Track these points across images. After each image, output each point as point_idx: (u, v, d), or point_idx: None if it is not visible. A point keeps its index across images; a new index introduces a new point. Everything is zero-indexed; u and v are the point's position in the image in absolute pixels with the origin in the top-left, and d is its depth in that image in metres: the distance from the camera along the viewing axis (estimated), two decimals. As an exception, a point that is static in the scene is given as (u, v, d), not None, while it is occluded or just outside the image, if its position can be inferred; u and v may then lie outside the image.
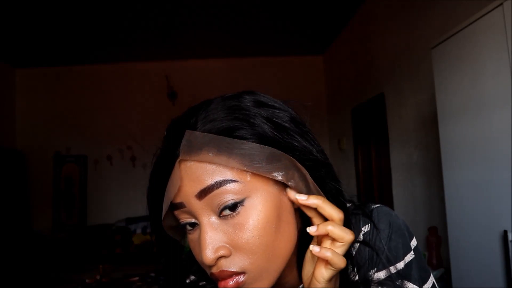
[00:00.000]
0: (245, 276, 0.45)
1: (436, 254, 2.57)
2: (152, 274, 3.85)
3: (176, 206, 0.46)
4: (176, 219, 0.49)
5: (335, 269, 0.44)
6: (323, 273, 0.44)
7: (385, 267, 0.53)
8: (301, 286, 0.55)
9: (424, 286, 0.54)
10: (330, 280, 0.45)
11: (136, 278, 3.79)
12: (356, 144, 4.30)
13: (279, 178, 0.44)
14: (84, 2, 3.60)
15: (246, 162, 0.43)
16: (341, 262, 0.43)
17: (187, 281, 0.60)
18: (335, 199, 0.50)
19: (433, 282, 0.56)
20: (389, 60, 3.43)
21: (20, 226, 4.75)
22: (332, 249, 0.44)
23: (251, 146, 0.44)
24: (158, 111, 4.98)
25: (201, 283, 0.59)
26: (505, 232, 1.49)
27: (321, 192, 0.47)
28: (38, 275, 4.25)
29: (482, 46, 1.64)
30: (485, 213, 1.64)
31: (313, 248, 0.43)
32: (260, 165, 0.43)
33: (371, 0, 3.76)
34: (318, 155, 0.49)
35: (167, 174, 0.47)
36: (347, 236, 0.44)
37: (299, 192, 0.46)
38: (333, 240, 0.45)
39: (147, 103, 5.24)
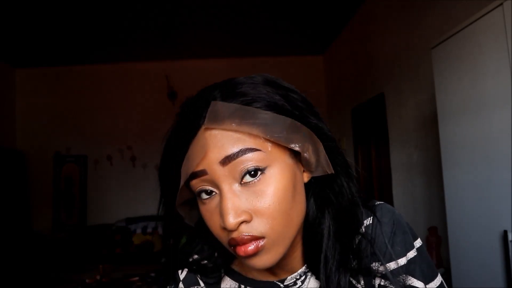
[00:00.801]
0: (264, 240, 0.47)
1: (436, 254, 2.57)
2: (152, 274, 3.85)
3: (197, 174, 0.47)
4: (189, 193, 0.50)
5: None
6: None
7: (387, 261, 0.54)
8: (303, 267, 0.56)
9: (430, 284, 0.54)
10: None
11: (136, 278, 3.79)
12: (356, 144, 4.30)
13: (297, 148, 0.47)
14: (84, 2, 3.61)
15: (268, 131, 0.46)
16: None
17: (190, 259, 0.62)
18: (345, 172, 0.54)
19: (442, 281, 0.55)
20: (389, 60, 3.43)
21: (20, 226, 4.75)
22: None
23: (273, 116, 0.46)
24: (158, 111, 4.98)
25: (203, 262, 0.61)
26: (505, 232, 1.49)
27: (330, 164, 0.50)
28: (38, 275, 4.25)
29: (482, 46, 1.64)
30: (485, 213, 1.64)
31: None
32: (280, 134, 0.46)
33: (371, 0, 3.76)
34: (328, 133, 0.53)
35: (184, 146, 0.48)
36: None
37: (309, 163, 0.49)
38: None
39: (147, 103, 5.24)
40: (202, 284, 0.61)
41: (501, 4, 1.50)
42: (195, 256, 0.62)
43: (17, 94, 5.34)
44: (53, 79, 5.37)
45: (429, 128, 2.70)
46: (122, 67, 5.34)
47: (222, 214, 0.46)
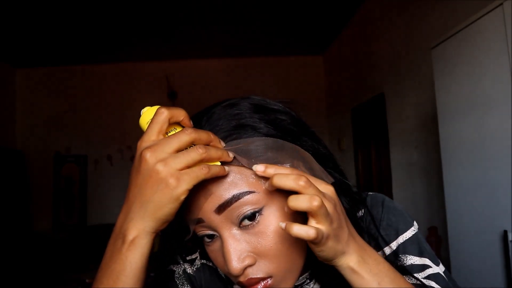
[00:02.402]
0: (272, 279, 0.46)
1: (436, 254, 2.56)
2: (152, 274, 3.85)
3: (194, 222, 0.47)
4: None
5: (313, 241, 0.40)
6: (313, 247, 0.42)
7: (380, 248, 0.54)
8: (306, 273, 0.56)
9: (439, 266, 0.53)
10: (327, 246, 0.41)
11: (136, 278, 3.78)
12: (356, 144, 4.30)
13: (287, 166, 0.45)
14: (84, 2, 3.60)
15: (253, 155, 0.44)
16: (309, 234, 0.39)
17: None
18: (343, 191, 0.52)
19: (444, 269, 0.55)
20: (389, 60, 3.43)
21: (20, 226, 4.74)
22: (299, 224, 0.40)
23: (255, 139, 0.45)
24: (158, 111, 4.97)
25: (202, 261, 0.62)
26: (505, 232, 1.49)
27: (328, 174, 0.47)
28: (38, 275, 4.25)
29: (482, 46, 1.64)
30: (485, 213, 1.64)
31: (281, 225, 0.41)
32: (265, 156, 0.44)
33: (371, 0, 3.76)
34: (325, 151, 0.51)
35: None
36: (310, 204, 0.39)
37: None
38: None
39: (147, 103, 5.18)
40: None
41: (501, 4, 1.50)
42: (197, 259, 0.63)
43: (17, 94, 5.33)
44: (53, 79, 5.37)
45: (429, 128, 2.70)
46: (122, 67, 5.33)
47: (225, 261, 0.45)
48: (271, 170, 0.43)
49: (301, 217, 0.46)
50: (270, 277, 0.46)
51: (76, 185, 5.30)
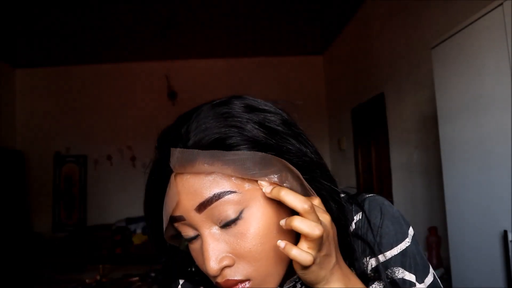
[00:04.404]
0: (250, 282, 0.45)
1: (436, 254, 2.57)
2: (152, 274, 3.85)
3: (176, 219, 0.47)
4: (175, 228, 0.49)
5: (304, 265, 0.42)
6: (297, 267, 0.43)
7: (375, 254, 0.54)
8: (295, 276, 0.55)
9: (425, 279, 0.53)
10: (310, 270, 0.43)
11: (136, 278, 3.79)
12: (356, 144, 4.30)
13: (274, 180, 0.44)
14: (84, 2, 3.61)
15: (240, 169, 0.43)
16: (306, 260, 0.41)
17: (192, 269, 0.61)
18: (331, 198, 0.51)
19: (434, 276, 0.55)
20: (389, 60, 3.43)
21: (20, 226, 4.75)
22: (298, 247, 0.41)
23: (242, 153, 0.44)
24: (158, 111, 4.98)
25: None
26: (505, 232, 1.49)
27: (313, 191, 0.46)
28: (38, 275, 4.25)
29: (482, 46, 1.64)
30: (485, 213, 1.64)
31: (280, 244, 0.41)
32: (254, 171, 0.44)
33: (371, 0, 3.76)
34: (312, 156, 0.49)
35: (163, 186, 0.47)
36: (312, 232, 0.40)
37: (295, 191, 0.45)
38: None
39: (147, 103, 5.23)
40: None
41: (501, 4, 1.50)
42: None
43: (17, 94, 5.33)
44: (53, 79, 5.37)
45: (429, 128, 2.70)
46: (122, 67, 5.33)
47: (203, 259, 0.45)
48: (276, 191, 0.44)
49: (285, 216, 0.46)
50: (248, 280, 0.45)
51: (76, 185, 5.31)
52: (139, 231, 4.88)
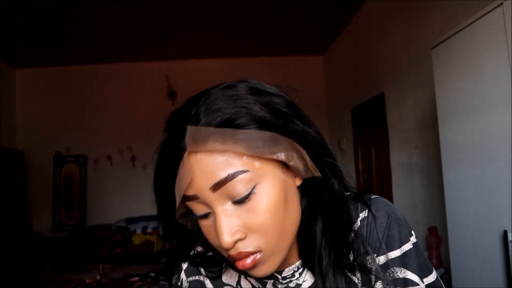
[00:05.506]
0: (261, 254, 0.49)
1: (436, 254, 2.57)
2: (152, 274, 3.85)
3: (189, 198, 0.49)
4: (185, 206, 0.51)
5: None
6: None
7: (381, 253, 0.55)
8: (298, 262, 0.58)
9: (424, 279, 0.54)
10: None
11: (136, 278, 3.80)
12: (356, 144, 4.30)
13: (282, 158, 0.47)
14: (84, 2, 3.60)
15: (250, 147, 0.46)
16: None
17: (195, 251, 0.64)
18: (333, 174, 0.54)
19: (437, 276, 0.56)
20: (389, 60, 3.43)
21: (20, 226, 4.74)
22: None
23: (253, 132, 0.46)
24: (158, 111, 4.92)
25: (208, 254, 0.63)
26: (505, 232, 1.49)
27: (316, 169, 0.50)
28: (38, 275, 4.25)
29: (482, 46, 1.64)
30: (485, 213, 1.64)
31: None
32: (263, 149, 0.46)
33: (371, 0, 3.76)
34: (315, 135, 0.53)
35: (174, 166, 0.48)
36: None
37: (298, 169, 0.49)
38: None
39: (147, 103, 5.23)
40: (204, 274, 0.63)
41: (501, 4, 1.50)
42: (199, 249, 0.64)
43: (17, 94, 5.33)
44: (53, 79, 5.36)
45: (429, 128, 2.70)
46: (122, 67, 5.33)
47: (217, 234, 0.48)
48: None
49: (291, 192, 0.50)
50: (259, 251, 0.49)
51: (76, 185, 5.31)
52: (139, 231, 4.88)
